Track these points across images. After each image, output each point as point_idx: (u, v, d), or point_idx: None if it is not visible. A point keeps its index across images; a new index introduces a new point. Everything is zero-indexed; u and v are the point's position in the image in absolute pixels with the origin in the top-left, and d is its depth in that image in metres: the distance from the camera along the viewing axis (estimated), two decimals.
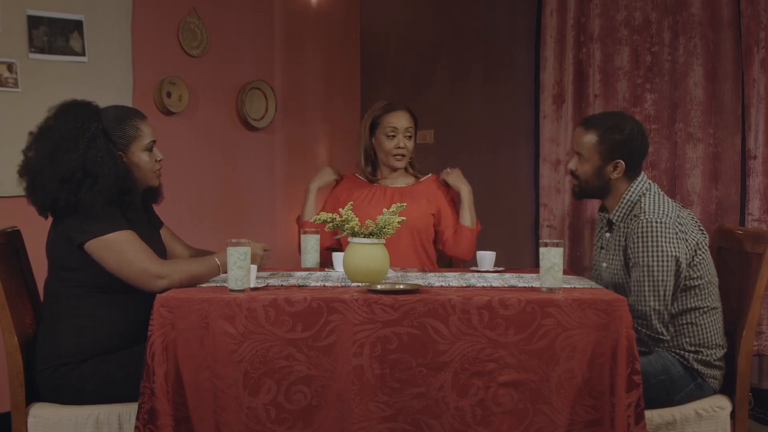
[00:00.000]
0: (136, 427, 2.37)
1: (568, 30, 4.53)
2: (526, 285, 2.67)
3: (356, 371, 2.38)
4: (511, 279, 2.82)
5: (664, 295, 2.68)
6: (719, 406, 2.76)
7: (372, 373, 2.39)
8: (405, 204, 2.75)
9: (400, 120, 3.46)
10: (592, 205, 4.56)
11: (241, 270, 2.47)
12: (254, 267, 2.57)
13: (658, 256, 2.68)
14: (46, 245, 2.70)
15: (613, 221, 2.87)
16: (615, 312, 2.38)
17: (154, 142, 2.76)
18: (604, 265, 2.92)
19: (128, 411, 2.59)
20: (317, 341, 2.40)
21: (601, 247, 2.97)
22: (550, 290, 2.50)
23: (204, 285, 2.64)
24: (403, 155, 3.48)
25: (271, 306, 2.40)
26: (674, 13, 4.36)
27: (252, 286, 2.54)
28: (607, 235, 2.93)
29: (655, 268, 2.68)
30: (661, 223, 2.69)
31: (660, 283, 2.68)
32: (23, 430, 2.61)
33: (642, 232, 2.70)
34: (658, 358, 2.75)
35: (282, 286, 2.63)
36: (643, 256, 2.69)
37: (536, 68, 4.71)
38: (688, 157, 4.32)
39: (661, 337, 2.70)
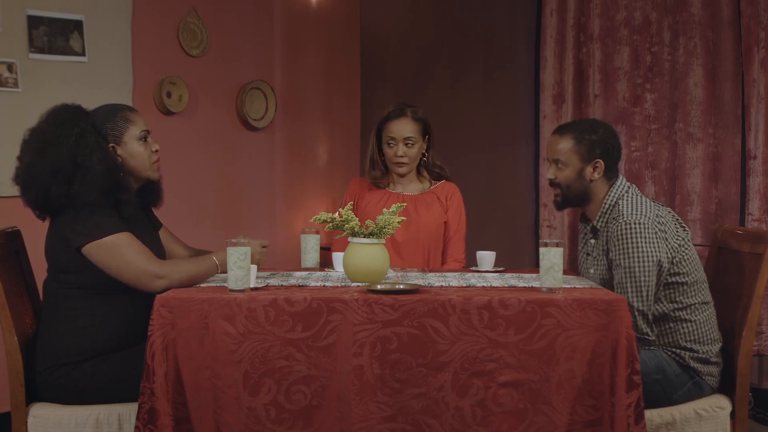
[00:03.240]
0: (136, 427, 2.37)
1: (568, 30, 4.53)
2: (526, 285, 2.67)
3: (356, 371, 2.38)
4: (511, 279, 2.82)
5: (647, 296, 2.69)
6: (719, 406, 2.76)
7: (372, 373, 2.39)
8: (405, 204, 2.75)
9: (398, 129, 3.42)
10: None
11: (241, 270, 2.47)
12: (254, 267, 2.57)
13: (638, 258, 2.68)
14: (45, 247, 2.70)
15: (598, 227, 2.88)
16: (615, 312, 2.38)
17: (147, 131, 2.75)
18: (592, 271, 2.92)
19: (128, 411, 2.59)
20: (317, 341, 2.40)
21: (587, 254, 2.97)
22: (550, 290, 2.50)
23: (204, 285, 2.64)
24: (403, 163, 3.45)
25: (271, 306, 2.40)
26: (674, 13, 4.36)
27: (252, 286, 2.53)
28: (592, 241, 2.93)
29: (637, 270, 2.68)
30: (639, 224, 2.70)
31: (642, 284, 2.68)
32: (23, 430, 2.61)
33: (621, 234, 2.71)
34: (653, 357, 2.75)
35: (282, 286, 2.63)
36: (624, 258, 2.70)
37: (536, 68, 4.71)
38: (688, 157, 4.32)
39: (646, 337, 2.70)
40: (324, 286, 2.63)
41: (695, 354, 2.76)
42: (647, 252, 2.68)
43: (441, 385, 2.39)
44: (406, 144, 3.42)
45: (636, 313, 2.67)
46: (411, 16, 5.26)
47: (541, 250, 2.51)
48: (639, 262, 2.68)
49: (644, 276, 2.68)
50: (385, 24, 5.26)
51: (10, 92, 3.72)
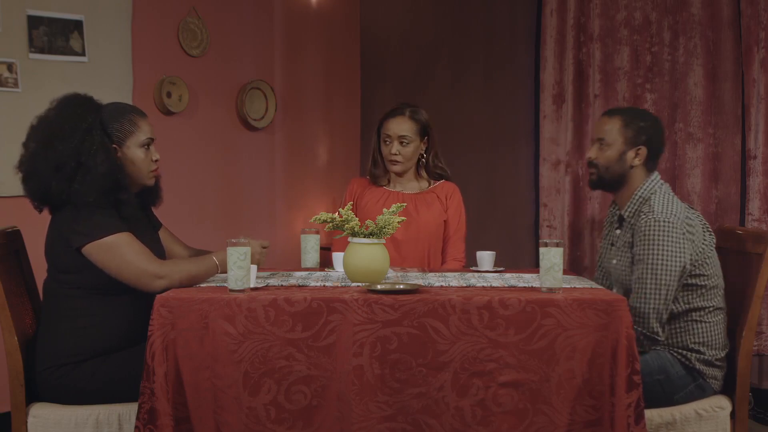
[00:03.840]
0: (136, 427, 2.37)
1: (568, 30, 4.53)
2: (526, 285, 2.67)
3: (356, 371, 2.38)
4: (511, 279, 2.82)
5: (666, 296, 2.68)
6: (719, 406, 2.76)
7: (372, 373, 2.39)
8: (405, 204, 2.75)
9: (393, 127, 3.43)
10: (592, 204, 4.55)
11: (241, 270, 2.47)
12: (254, 267, 2.57)
13: (663, 256, 2.68)
14: (45, 246, 2.70)
15: (624, 217, 2.88)
16: (615, 312, 2.38)
17: (151, 140, 2.75)
18: (614, 261, 2.91)
19: (128, 411, 2.59)
20: (317, 341, 2.40)
21: (611, 244, 2.97)
22: (550, 290, 2.50)
23: (204, 285, 2.64)
24: (397, 161, 3.46)
25: (271, 306, 2.40)
26: (674, 13, 4.36)
27: (252, 286, 2.53)
28: (618, 231, 2.93)
29: (659, 268, 2.68)
30: (668, 222, 2.70)
31: (663, 284, 2.68)
32: (23, 430, 2.61)
33: (649, 230, 2.70)
34: (656, 357, 2.74)
35: (282, 286, 2.63)
36: (648, 254, 2.69)
37: (536, 68, 4.71)
38: (688, 157, 4.32)
39: (656, 337, 2.70)
40: (324, 286, 2.63)
41: (701, 356, 2.76)
42: (673, 252, 2.68)
43: (441, 385, 2.39)
44: (401, 142, 3.43)
45: (650, 311, 2.67)
46: (411, 16, 5.26)
47: (541, 250, 2.51)
48: (662, 260, 2.68)
49: (666, 276, 2.68)
50: (385, 24, 5.26)
51: (10, 92, 3.72)
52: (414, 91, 5.06)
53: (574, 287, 2.61)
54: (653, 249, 2.69)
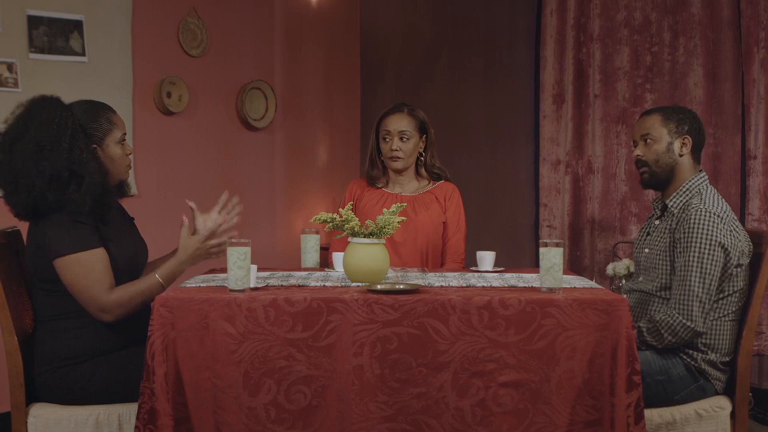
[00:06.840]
0: (136, 427, 2.37)
1: (568, 30, 4.53)
2: (526, 285, 2.66)
3: (356, 371, 2.38)
4: (511, 279, 2.82)
5: (710, 285, 2.68)
6: (719, 406, 2.76)
7: (372, 373, 2.38)
8: (405, 204, 2.75)
9: (393, 123, 3.44)
10: (592, 204, 4.55)
11: (241, 270, 2.47)
12: (254, 267, 2.57)
13: (710, 247, 2.68)
14: (26, 257, 2.69)
15: (668, 205, 2.87)
16: (615, 312, 2.38)
17: (125, 134, 2.74)
18: (646, 251, 2.92)
19: (128, 411, 2.59)
20: (317, 341, 2.40)
21: (647, 233, 2.97)
22: (550, 290, 2.50)
23: (204, 285, 2.64)
24: (398, 157, 3.46)
25: (271, 306, 2.40)
26: (674, 13, 4.37)
27: (252, 286, 2.53)
28: (657, 222, 2.93)
29: (706, 257, 2.68)
30: (718, 216, 2.71)
31: (707, 273, 2.68)
32: (23, 430, 2.61)
33: (700, 219, 2.70)
34: (659, 358, 2.74)
35: (282, 286, 2.63)
36: (696, 243, 2.69)
37: (536, 68, 4.71)
38: None
39: (697, 329, 2.68)
40: (324, 286, 2.63)
41: (707, 356, 2.75)
42: (721, 244, 2.68)
43: (441, 385, 2.38)
44: (401, 138, 3.43)
45: (695, 300, 2.67)
46: (411, 16, 5.26)
47: (541, 250, 2.51)
48: (710, 251, 2.68)
49: (712, 266, 2.68)
50: (385, 24, 5.26)
51: (10, 92, 3.72)
52: (414, 91, 5.07)
53: (574, 287, 2.61)
54: (701, 238, 2.69)
